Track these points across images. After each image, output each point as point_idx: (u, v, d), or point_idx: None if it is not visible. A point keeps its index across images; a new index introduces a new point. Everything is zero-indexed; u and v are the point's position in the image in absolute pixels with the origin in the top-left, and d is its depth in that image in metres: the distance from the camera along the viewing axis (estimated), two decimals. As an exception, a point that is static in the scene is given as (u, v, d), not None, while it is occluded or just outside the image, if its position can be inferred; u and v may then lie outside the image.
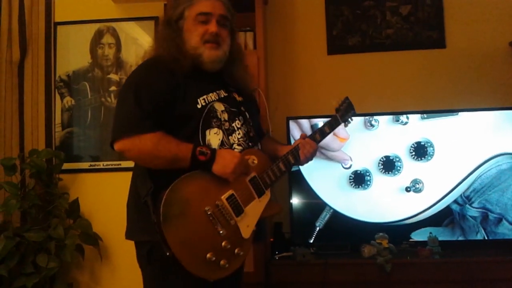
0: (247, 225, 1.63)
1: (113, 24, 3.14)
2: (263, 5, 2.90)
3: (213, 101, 1.68)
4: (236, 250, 1.58)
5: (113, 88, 3.10)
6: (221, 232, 1.55)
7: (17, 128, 3.07)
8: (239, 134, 1.71)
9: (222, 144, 1.66)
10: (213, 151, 1.58)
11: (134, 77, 1.68)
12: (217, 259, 1.53)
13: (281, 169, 1.76)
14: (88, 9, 3.16)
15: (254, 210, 1.67)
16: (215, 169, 1.58)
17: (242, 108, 1.77)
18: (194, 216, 1.53)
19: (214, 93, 1.70)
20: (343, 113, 1.92)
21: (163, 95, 1.61)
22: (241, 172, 1.63)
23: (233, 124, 1.71)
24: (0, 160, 2.87)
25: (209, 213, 1.55)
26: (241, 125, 1.73)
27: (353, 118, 1.97)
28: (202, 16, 1.70)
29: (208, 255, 1.51)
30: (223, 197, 1.60)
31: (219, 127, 1.66)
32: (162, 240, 1.47)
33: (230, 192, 1.61)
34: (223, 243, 1.55)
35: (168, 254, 1.46)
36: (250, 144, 1.74)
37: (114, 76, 3.11)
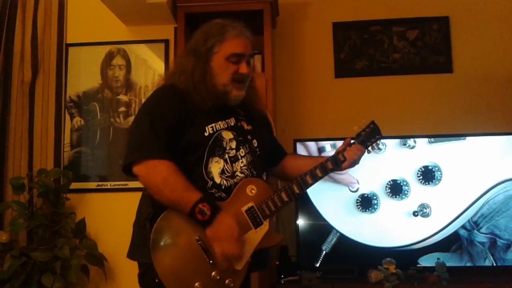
0: None
1: (124, 46, 3.19)
2: (272, 28, 2.94)
3: (221, 129, 1.69)
4: (226, 281, 1.57)
5: (122, 109, 3.13)
6: (211, 262, 1.55)
7: (26, 148, 3.11)
8: (242, 162, 1.71)
9: (222, 172, 1.66)
10: (213, 214, 1.54)
11: (150, 102, 1.71)
12: None
13: (283, 199, 1.71)
14: (100, 31, 3.22)
15: (249, 241, 1.63)
16: (207, 232, 1.55)
17: (248, 137, 1.77)
18: (184, 245, 1.55)
19: (223, 121, 1.72)
20: (363, 139, 1.85)
21: (174, 122, 1.63)
22: (230, 253, 1.56)
23: (238, 153, 1.71)
24: (9, 179, 2.90)
25: (199, 242, 1.55)
26: (246, 153, 1.73)
27: (379, 144, 1.89)
28: (235, 57, 1.70)
29: (196, 284, 1.52)
30: None
31: (221, 156, 1.67)
32: (152, 266, 1.50)
33: None
34: (213, 273, 1.55)
35: (156, 280, 1.49)
36: (253, 172, 1.73)
37: (123, 97, 3.15)
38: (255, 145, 1.78)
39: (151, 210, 1.57)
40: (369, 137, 1.87)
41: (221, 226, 1.55)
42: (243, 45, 1.73)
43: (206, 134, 1.66)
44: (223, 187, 1.65)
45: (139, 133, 1.64)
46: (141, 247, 1.61)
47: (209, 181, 1.64)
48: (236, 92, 1.72)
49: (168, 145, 1.60)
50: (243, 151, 1.72)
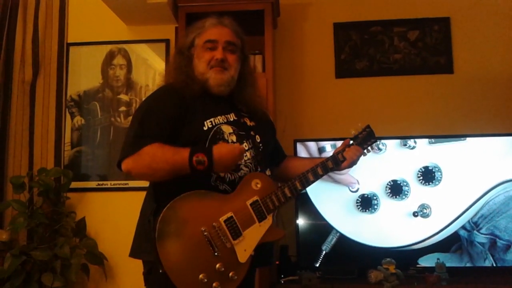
0: (244, 249, 1.61)
1: (125, 46, 3.20)
2: (273, 29, 2.94)
3: (220, 123, 1.70)
4: (230, 274, 1.57)
5: (122, 108, 3.14)
6: (216, 254, 1.55)
7: (26, 147, 3.11)
8: (246, 156, 1.71)
9: None
10: (210, 157, 1.56)
11: (145, 104, 1.75)
12: (210, 281, 1.52)
13: (286, 195, 1.72)
14: (101, 30, 3.23)
15: (254, 234, 1.64)
16: (216, 171, 1.61)
17: (251, 133, 1.78)
18: (190, 235, 1.54)
19: (223, 116, 1.73)
20: (360, 141, 1.90)
21: (171, 120, 1.66)
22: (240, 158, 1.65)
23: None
24: (9, 178, 2.90)
25: (205, 233, 1.55)
26: (249, 148, 1.74)
27: (373, 147, 1.95)
28: (209, 43, 1.76)
29: (200, 276, 1.51)
30: (221, 219, 1.59)
31: None
32: (156, 256, 1.49)
33: (229, 214, 1.61)
34: (217, 265, 1.54)
35: (160, 271, 1.48)
36: (258, 167, 1.74)
37: (124, 97, 3.15)
38: (258, 140, 1.79)
39: (154, 205, 1.58)
40: (365, 140, 1.91)
41: (222, 157, 1.57)
42: (218, 32, 1.78)
43: (205, 128, 1.67)
44: (227, 180, 1.66)
45: (129, 133, 1.68)
46: (145, 245, 1.61)
47: (213, 175, 1.65)
48: (214, 75, 1.74)
49: (161, 140, 1.61)
50: (246, 145, 1.73)
